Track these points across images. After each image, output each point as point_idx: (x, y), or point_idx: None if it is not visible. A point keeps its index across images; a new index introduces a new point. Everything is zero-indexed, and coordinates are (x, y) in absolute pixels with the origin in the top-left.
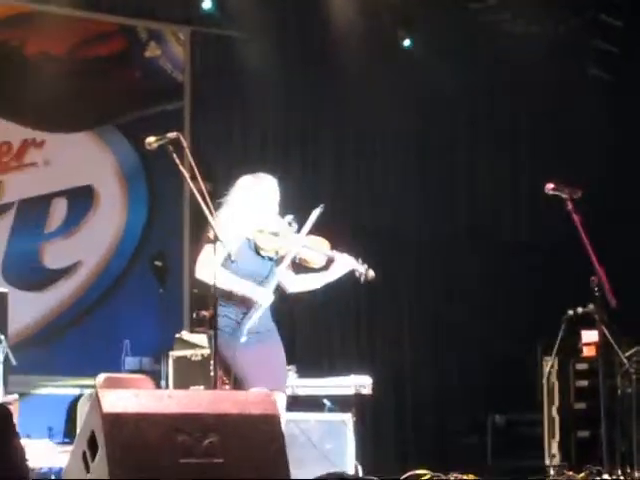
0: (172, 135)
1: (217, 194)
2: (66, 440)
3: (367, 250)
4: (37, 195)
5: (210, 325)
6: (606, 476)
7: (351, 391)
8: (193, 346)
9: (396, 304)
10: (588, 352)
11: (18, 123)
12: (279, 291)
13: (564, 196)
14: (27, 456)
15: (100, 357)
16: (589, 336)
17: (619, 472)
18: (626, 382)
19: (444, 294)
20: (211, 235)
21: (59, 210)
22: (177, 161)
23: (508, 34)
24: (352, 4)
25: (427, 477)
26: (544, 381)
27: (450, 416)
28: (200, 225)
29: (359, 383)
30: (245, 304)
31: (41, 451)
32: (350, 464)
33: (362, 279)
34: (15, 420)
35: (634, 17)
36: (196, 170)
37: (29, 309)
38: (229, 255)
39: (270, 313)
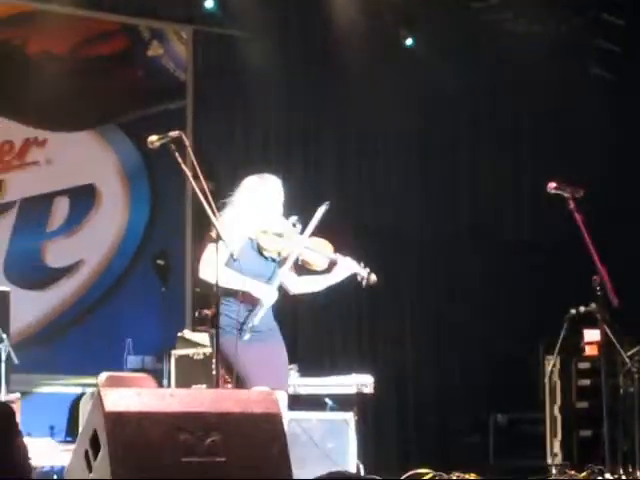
0: (174, 134)
1: (219, 193)
2: (68, 439)
3: (369, 250)
4: (39, 194)
5: (212, 324)
6: (608, 475)
7: (353, 390)
8: (195, 345)
9: (398, 303)
10: (590, 351)
11: (20, 122)
12: (282, 291)
13: (566, 195)
14: (29, 455)
15: (102, 356)
16: (591, 335)
17: (621, 471)
18: (628, 381)
19: (446, 293)
20: (214, 234)
21: (61, 209)
22: (179, 160)
23: (510, 33)
24: (354, 3)
25: (429, 476)
26: (546, 380)
27: (452, 415)
28: (202, 224)
29: (361, 382)
30: (249, 302)
31: (43, 450)
32: (352, 463)
33: (364, 283)
34: (17, 419)
35: (636, 16)
36: (198, 169)
37: (31, 308)
38: (232, 254)
39: (272, 312)
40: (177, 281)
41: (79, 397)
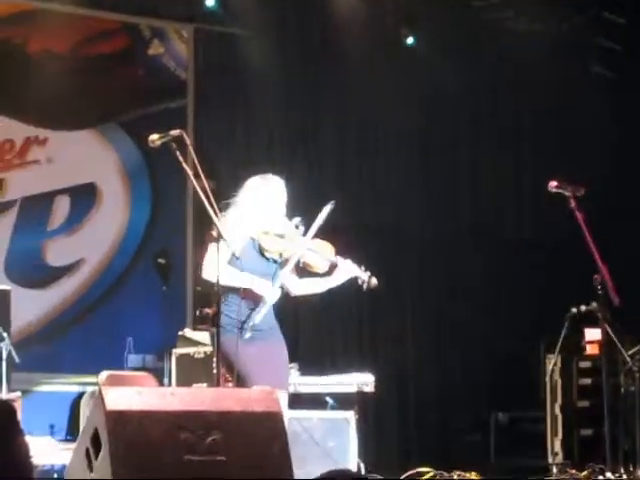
0: (175, 132)
1: (220, 192)
2: (69, 437)
3: (370, 248)
4: (40, 193)
5: (213, 322)
6: (609, 474)
7: (353, 389)
8: (196, 344)
9: (399, 302)
10: (591, 350)
11: (21, 121)
12: (283, 291)
13: (567, 194)
14: (30, 453)
15: (103, 355)
16: (592, 334)
17: (622, 470)
18: (629, 380)
19: (447, 292)
20: (215, 233)
21: (62, 208)
22: (180, 159)
23: (511, 32)
24: (355, 2)
25: (430, 475)
26: (547, 379)
27: (453, 414)
28: (203, 223)
29: (361, 381)
30: (251, 299)
31: (44, 448)
32: (353, 462)
33: (364, 287)
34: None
35: (637, 15)
36: (199, 168)
37: (32, 307)
38: (233, 253)
39: (273, 311)
40: (178, 280)
41: (80, 396)
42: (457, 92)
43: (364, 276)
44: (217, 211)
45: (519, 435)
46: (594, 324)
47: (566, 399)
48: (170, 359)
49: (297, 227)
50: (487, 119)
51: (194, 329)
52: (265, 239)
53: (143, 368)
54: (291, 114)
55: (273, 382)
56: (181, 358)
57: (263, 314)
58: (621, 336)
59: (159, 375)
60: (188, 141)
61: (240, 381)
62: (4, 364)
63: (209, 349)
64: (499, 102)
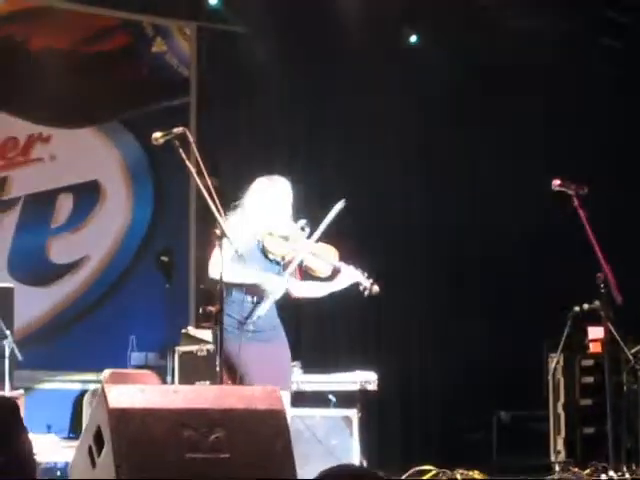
0: (178, 130)
1: (223, 189)
2: (71, 435)
3: (373, 248)
4: (43, 190)
5: (216, 320)
6: (612, 473)
7: (356, 387)
8: (199, 341)
9: (402, 300)
10: (594, 348)
11: (24, 118)
12: (284, 292)
13: (570, 192)
14: (34, 450)
15: (106, 352)
16: (595, 332)
17: (625, 469)
18: (632, 379)
19: (450, 290)
20: (218, 232)
21: (65, 205)
22: (183, 156)
23: (512, 31)
24: (357, 0)
25: (432, 473)
26: (550, 377)
27: (455, 412)
28: (206, 220)
29: (364, 379)
30: (256, 294)
31: (46, 446)
32: (355, 460)
33: (366, 293)
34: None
35: None
36: (202, 165)
37: (35, 304)
38: (236, 250)
39: (276, 310)
40: (181, 277)
41: (82, 393)
42: (458, 91)
43: (366, 283)
44: (220, 209)
45: (522, 433)
46: (597, 322)
47: (569, 397)
48: (173, 357)
49: (303, 229)
50: (488, 118)
51: (197, 327)
52: (269, 240)
53: (146, 366)
54: (294, 112)
55: (275, 383)
56: (184, 356)
57: (267, 308)
58: (624, 334)
59: (162, 373)
60: (191, 139)
61: (242, 382)
62: (7, 362)
63: (212, 347)
64: (500, 101)
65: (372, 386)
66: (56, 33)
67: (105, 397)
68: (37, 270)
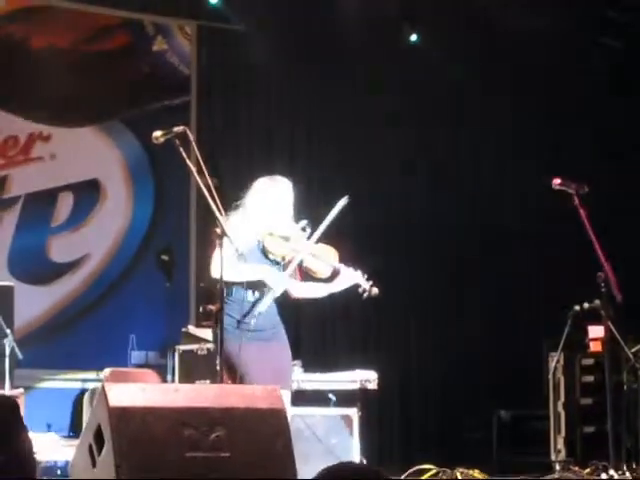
0: (179, 129)
1: (223, 188)
2: (71, 434)
3: (373, 247)
4: (43, 189)
5: (216, 319)
6: (612, 472)
7: (356, 386)
8: (199, 340)
9: (402, 299)
10: (594, 347)
11: (24, 117)
12: (284, 292)
13: (570, 191)
14: (34, 449)
15: (106, 351)
16: (595, 331)
17: (625, 467)
18: (632, 378)
19: (450, 290)
20: (219, 231)
21: (65, 204)
22: (184, 155)
23: (513, 29)
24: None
25: (433, 472)
26: (550, 376)
27: (456, 411)
28: (207, 219)
29: (364, 378)
30: (257, 289)
31: (46, 445)
32: (355, 459)
33: (365, 295)
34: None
35: None
36: (202, 164)
37: (35, 303)
38: (236, 249)
39: (276, 310)
40: (181, 276)
41: (82, 392)
42: (458, 90)
43: (365, 285)
44: (220, 208)
45: (522, 433)
46: (597, 321)
47: (569, 396)
48: (173, 356)
49: (304, 230)
50: (488, 117)
51: (197, 326)
52: (269, 240)
53: (146, 365)
54: (294, 110)
55: (275, 383)
56: (184, 355)
57: (268, 304)
58: (624, 333)
59: (162, 372)
60: (191, 137)
61: (242, 382)
62: (7, 360)
63: (212, 346)
64: (500, 100)
65: (372, 385)
66: (57, 32)
67: (105, 396)
68: (37, 269)
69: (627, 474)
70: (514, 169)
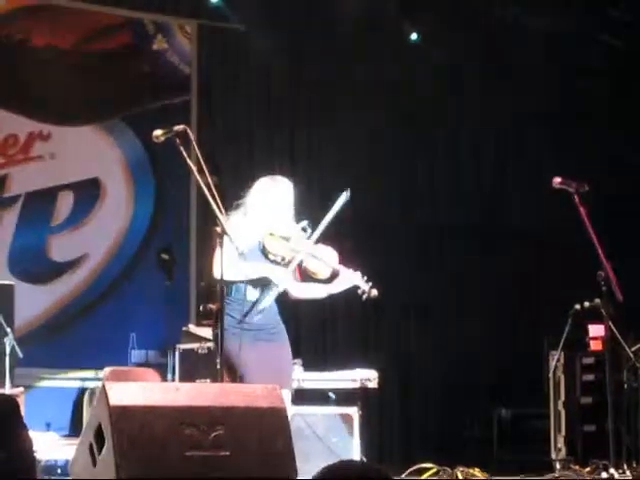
0: (179, 128)
1: (223, 187)
2: (71, 433)
3: (373, 248)
4: (43, 188)
5: (216, 318)
6: (612, 470)
7: (357, 385)
8: (200, 339)
9: (402, 299)
10: (595, 346)
11: (24, 116)
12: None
13: (571, 190)
14: (34, 448)
15: (106, 350)
16: (596, 330)
17: (625, 466)
18: (632, 376)
19: (450, 289)
20: (219, 229)
21: (65, 203)
22: (184, 154)
23: (513, 28)
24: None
25: (433, 471)
26: (550, 375)
27: (456, 410)
28: (207, 218)
29: (365, 377)
30: (260, 286)
31: (47, 443)
32: (356, 457)
33: (364, 297)
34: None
35: None
36: (203, 163)
37: (35, 302)
38: (237, 247)
39: (277, 310)
40: (182, 275)
41: (82, 391)
42: (458, 89)
43: (365, 286)
44: (221, 207)
45: (522, 431)
46: (597, 320)
47: (569, 395)
48: (174, 355)
49: (304, 230)
50: (489, 116)
51: (198, 325)
52: (269, 240)
53: (146, 364)
54: (294, 110)
55: (275, 383)
56: (185, 354)
57: (272, 299)
58: (624, 332)
59: (162, 371)
60: (192, 136)
61: (241, 382)
62: (7, 359)
63: (213, 345)
64: (501, 98)
65: (373, 384)
66: (57, 31)
67: (106, 395)
68: (37, 268)
69: (627, 473)
70: (514, 169)
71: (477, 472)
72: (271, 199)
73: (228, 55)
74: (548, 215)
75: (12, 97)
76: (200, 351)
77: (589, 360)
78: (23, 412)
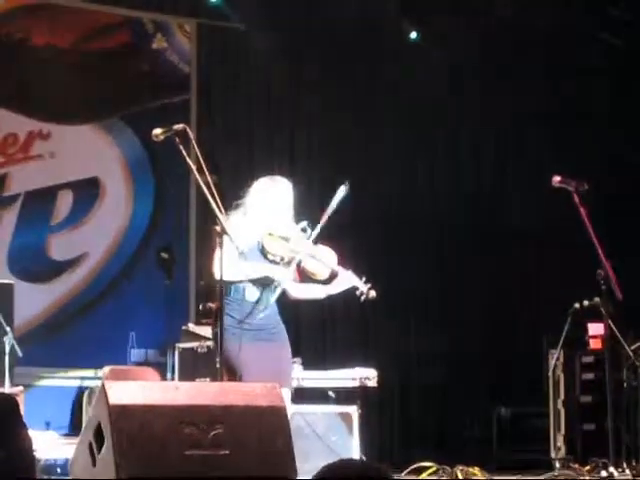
0: (179, 127)
1: (223, 186)
2: (71, 432)
3: (372, 247)
4: (43, 187)
5: (216, 317)
6: (612, 469)
7: (356, 383)
8: (199, 338)
9: (402, 297)
10: (594, 345)
11: (24, 115)
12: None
13: (570, 189)
14: (33, 447)
15: (106, 349)
16: (595, 329)
17: (624, 465)
18: (632, 375)
19: (450, 287)
20: (219, 228)
21: (65, 202)
22: (184, 153)
23: (513, 28)
24: None
25: (433, 469)
26: (550, 374)
27: (456, 409)
28: (207, 217)
29: (364, 375)
30: (263, 285)
31: (46, 443)
32: (355, 456)
33: (362, 298)
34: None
35: None
36: (202, 162)
37: (35, 301)
38: (237, 247)
39: (277, 310)
40: (181, 274)
41: (82, 390)
42: (458, 88)
43: (363, 288)
44: (220, 206)
45: (522, 430)
46: (597, 319)
47: (569, 394)
48: (173, 354)
49: (304, 231)
50: (489, 115)
51: (197, 324)
52: (268, 241)
53: (146, 363)
54: (294, 109)
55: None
56: (184, 352)
57: (277, 297)
58: (624, 331)
59: (162, 370)
60: (191, 135)
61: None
62: (7, 358)
63: (212, 344)
64: (501, 98)
65: (372, 382)
66: (57, 30)
67: (105, 394)
68: (37, 267)
69: (627, 471)
70: (514, 169)
71: (477, 471)
72: (270, 199)
73: (228, 54)
74: (548, 214)
75: (12, 96)
76: (200, 350)
77: (589, 359)
78: (22, 411)
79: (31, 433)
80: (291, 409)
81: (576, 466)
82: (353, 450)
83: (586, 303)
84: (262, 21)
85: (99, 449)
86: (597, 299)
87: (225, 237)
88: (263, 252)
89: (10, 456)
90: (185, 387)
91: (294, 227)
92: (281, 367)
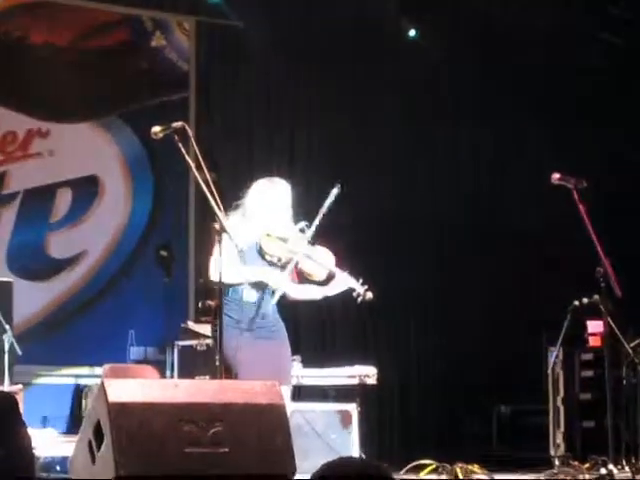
0: (178, 125)
1: (222, 183)
2: (70, 430)
3: (371, 247)
4: (42, 185)
5: (215, 315)
6: (611, 466)
7: (356, 381)
8: (198, 336)
9: (401, 295)
10: (593, 342)
11: (23, 113)
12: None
13: (569, 186)
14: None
15: (105, 347)
16: (594, 326)
17: (624, 462)
18: (631, 372)
19: (450, 284)
20: (217, 226)
21: (64, 200)
22: (183, 151)
23: (513, 28)
24: None
25: (432, 467)
26: (549, 371)
27: (455, 406)
28: (206, 215)
29: (364, 373)
30: (261, 289)
31: (45, 440)
32: (355, 454)
33: (359, 299)
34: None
35: None
36: (201, 159)
37: (34, 299)
38: (236, 246)
39: (276, 308)
40: (180, 272)
41: (81, 388)
42: (458, 87)
43: (360, 289)
44: (219, 203)
45: (521, 427)
46: (596, 316)
47: (568, 391)
48: (173, 351)
49: (303, 231)
50: (489, 114)
51: (197, 321)
52: (266, 241)
53: (145, 360)
54: (293, 107)
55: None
56: (184, 350)
57: (276, 299)
58: (623, 328)
59: (161, 367)
60: (190, 133)
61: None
62: (6, 356)
63: (211, 341)
64: (500, 100)
65: (372, 380)
66: (55, 28)
67: (105, 391)
68: (36, 265)
69: (626, 469)
70: (514, 169)
71: (476, 468)
72: (269, 201)
73: (227, 52)
74: (548, 213)
75: (11, 94)
76: (199, 348)
77: (588, 356)
78: (22, 409)
79: (30, 431)
80: (290, 407)
81: (575, 463)
82: (352, 448)
83: (585, 300)
84: (261, 19)
85: (98, 447)
86: (596, 297)
87: (224, 235)
88: (261, 253)
89: (9, 454)
90: (184, 385)
91: (292, 228)
92: (280, 365)
